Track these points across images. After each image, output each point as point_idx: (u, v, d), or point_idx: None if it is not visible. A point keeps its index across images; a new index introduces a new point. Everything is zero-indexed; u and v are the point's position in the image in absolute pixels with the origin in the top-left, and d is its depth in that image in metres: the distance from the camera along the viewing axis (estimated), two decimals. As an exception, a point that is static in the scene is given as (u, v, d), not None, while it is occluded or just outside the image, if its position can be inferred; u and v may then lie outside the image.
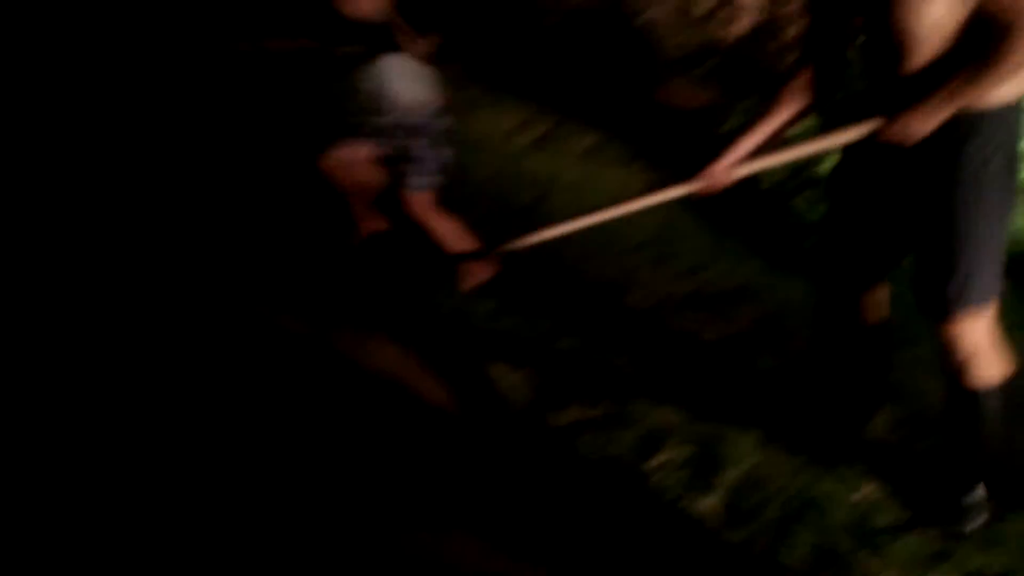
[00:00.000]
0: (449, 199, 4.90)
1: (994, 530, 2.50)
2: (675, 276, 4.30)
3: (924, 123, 2.31)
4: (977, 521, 2.53)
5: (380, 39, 3.73)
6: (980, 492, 2.54)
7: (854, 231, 2.62)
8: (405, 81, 3.77)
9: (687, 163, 6.26)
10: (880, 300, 2.73)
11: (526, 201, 5.15)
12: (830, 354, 2.85)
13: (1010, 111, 2.33)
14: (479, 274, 3.83)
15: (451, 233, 3.84)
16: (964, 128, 2.32)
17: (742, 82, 7.28)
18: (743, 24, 7.96)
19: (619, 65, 7.76)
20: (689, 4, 8.15)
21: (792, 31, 7.70)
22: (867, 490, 2.67)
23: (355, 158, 3.78)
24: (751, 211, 5.18)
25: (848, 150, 2.54)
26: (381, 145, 3.75)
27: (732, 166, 2.64)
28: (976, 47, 2.19)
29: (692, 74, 7.95)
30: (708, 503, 2.64)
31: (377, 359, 3.31)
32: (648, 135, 6.76)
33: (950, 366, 2.47)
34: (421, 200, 3.78)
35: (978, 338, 2.43)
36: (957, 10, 2.17)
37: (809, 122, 2.81)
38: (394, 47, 3.77)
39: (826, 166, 4.63)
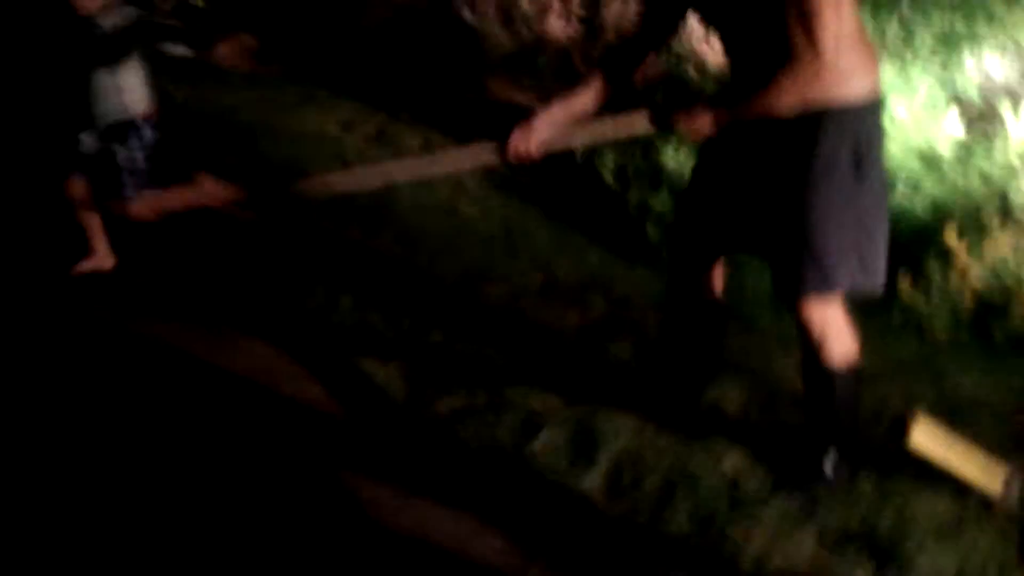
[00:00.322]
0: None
1: (850, 489, 2.72)
2: (527, 268, 4.42)
3: (706, 122, 2.52)
4: (834, 482, 2.74)
5: (112, 39, 3.70)
6: (834, 455, 2.76)
7: (709, 212, 2.76)
8: (121, 85, 3.75)
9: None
10: (718, 279, 2.89)
11: (369, 198, 5.15)
12: (673, 330, 3.03)
13: (856, 110, 2.46)
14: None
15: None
16: (811, 125, 2.46)
17: (565, 80, 7.49)
18: (569, 24, 8.20)
19: (446, 62, 7.84)
20: (512, 4, 8.32)
21: (612, 33, 8.00)
22: (734, 461, 2.84)
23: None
24: (590, 205, 5.38)
25: (712, 139, 2.64)
26: (97, 152, 3.77)
27: (539, 138, 2.72)
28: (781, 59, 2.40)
29: (517, 72, 8.14)
30: (590, 480, 2.75)
31: (246, 360, 3.27)
32: (478, 132, 6.87)
33: (806, 345, 2.62)
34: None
35: (828, 320, 2.58)
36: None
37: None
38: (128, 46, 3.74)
39: (665, 158, 4.86)
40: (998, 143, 4.29)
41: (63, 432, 2.84)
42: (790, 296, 2.59)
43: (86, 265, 3.93)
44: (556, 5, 8.22)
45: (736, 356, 3.33)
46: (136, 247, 4.07)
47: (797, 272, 2.55)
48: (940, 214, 4.27)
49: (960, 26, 4.37)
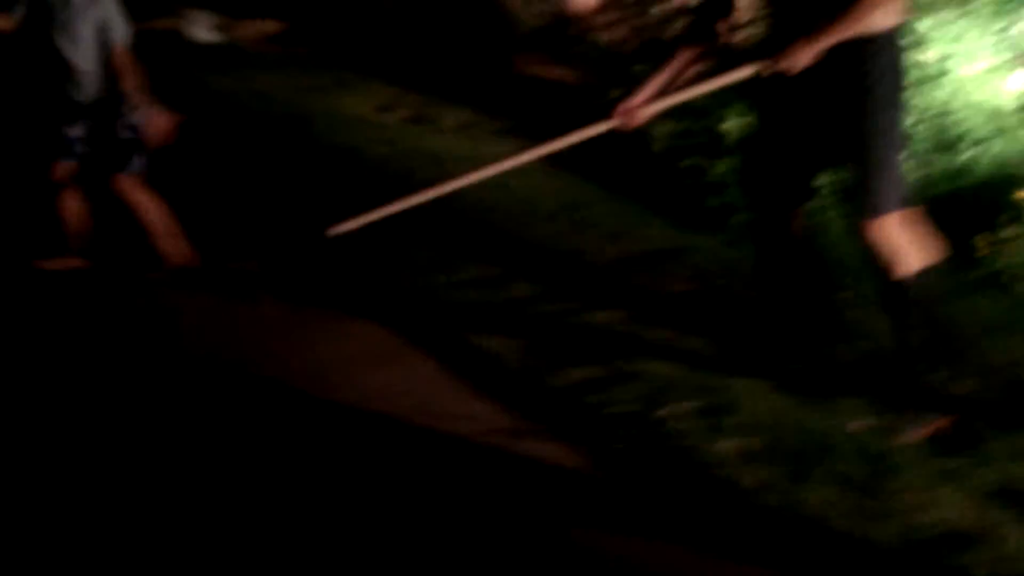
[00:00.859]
0: (346, 179, 4.86)
1: (983, 444, 2.77)
2: (597, 241, 4.44)
3: (804, 53, 2.71)
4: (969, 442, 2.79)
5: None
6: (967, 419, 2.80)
7: (779, 154, 2.96)
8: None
9: (556, 133, 6.44)
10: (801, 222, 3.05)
11: (425, 177, 5.15)
12: (782, 289, 3.13)
13: (892, 35, 2.73)
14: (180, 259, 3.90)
15: (157, 212, 3.88)
16: (854, 54, 2.72)
17: (596, 57, 7.49)
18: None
19: (472, 41, 7.82)
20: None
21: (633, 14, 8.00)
22: (862, 420, 2.88)
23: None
24: (643, 176, 5.39)
25: (768, 89, 2.88)
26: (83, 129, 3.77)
27: (644, 104, 2.97)
28: None
29: (543, 48, 8.12)
30: (723, 447, 2.78)
31: (358, 343, 3.29)
32: (512, 110, 6.87)
33: (877, 265, 2.79)
34: (127, 182, 3.79)
35: (894, 238, 2.76)
36: None
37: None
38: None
39: (728, 125, 4.87)
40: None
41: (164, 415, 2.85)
42: (859, 217, 2.78)
43: (59, 262, 3.87)
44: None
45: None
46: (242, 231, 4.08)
47: (864, 196, 2.75)
48: (1009, 172, 4.30)
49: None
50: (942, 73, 4.61)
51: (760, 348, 3.24)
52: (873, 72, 2.74)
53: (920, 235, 2.84)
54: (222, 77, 6.76)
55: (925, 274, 2.84)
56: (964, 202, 4.46)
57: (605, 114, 3.06)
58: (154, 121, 3.70)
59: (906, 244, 2.79)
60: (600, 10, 8.39)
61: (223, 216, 4.35)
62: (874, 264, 2.82)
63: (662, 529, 2.49)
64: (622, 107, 3.02)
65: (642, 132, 5.46)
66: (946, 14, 4.53)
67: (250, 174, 5.02)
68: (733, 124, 4.83)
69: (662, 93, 3.03)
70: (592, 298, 3.68)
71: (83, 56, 3.70)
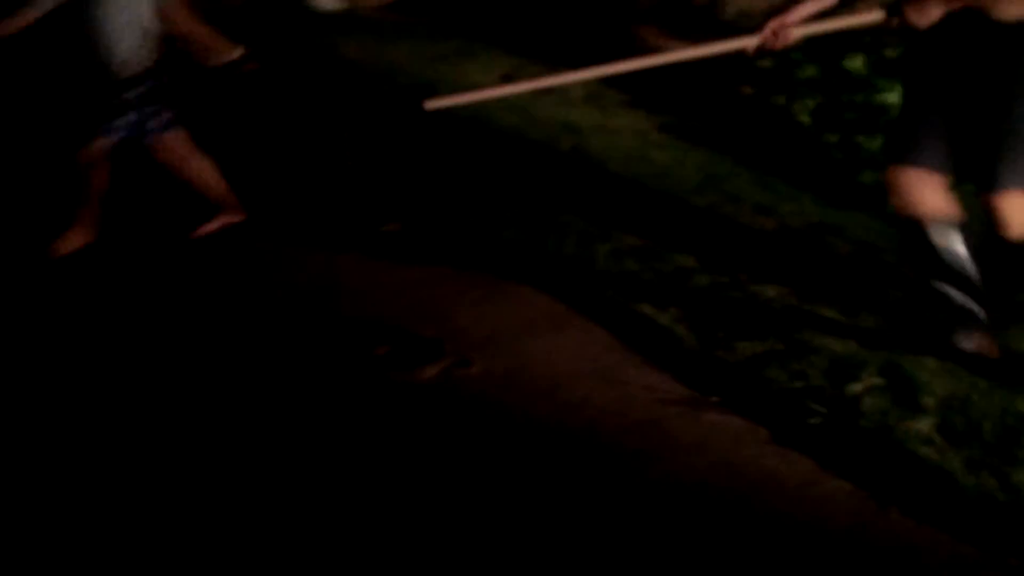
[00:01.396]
0: (478, 149, 4.78)
1: None
2: (753, 214, 4.29)
3: (933, 7, 2.77)
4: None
5: None
6: None
7: (928, 122, 2.96)
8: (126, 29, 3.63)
9: (683, 106, 6.28)
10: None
11: (566, 147, 5.06)
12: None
13: None
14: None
15: (207, 171, 3.83)
16: (1002, 37, 2.76)
17: (712, 24, 7.31)
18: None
19: (595, 13, 7.69)
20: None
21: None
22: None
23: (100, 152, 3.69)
24: (790, 151, 5.22)
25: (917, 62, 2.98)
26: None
27: (796, 23, 2.96)
28: None
29: (665, 20, 7.95)
30: (921, 426, 2.64)
31: (526, 309, 3.21)
32: (635, 82, 6.72)
33: (1006, 237, 2.84)
34: (171, 142, 3.74)
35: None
36: None
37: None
38: None
39: (889, 98, 4.67)
40: None
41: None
42: (993, 189, 2.82)
43: (71, 242, 3.75)
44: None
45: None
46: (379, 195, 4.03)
47: (1002, 168, 2.80)
48: None
49: None
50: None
51: (935, 327, 3.08)
52: (1019, 58, 2.78)
53: None
54: (347, 46, 6.74)
55: None
56: None
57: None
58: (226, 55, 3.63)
59: None
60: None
61: (355, 182, 4.31)
62: (1002, 236, 2.85)
63: (866, 507, 2.36)
64: (774, 22, 2.99)
65: (787, 106, 5.32)
66: None
67: (380, 142, 4.97)
68: (894, 96, 4.63)
69: (805, 17, 3.01)
70: (755, 270, 3.54)
71: (120, 26, 3.65)
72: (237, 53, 3.82)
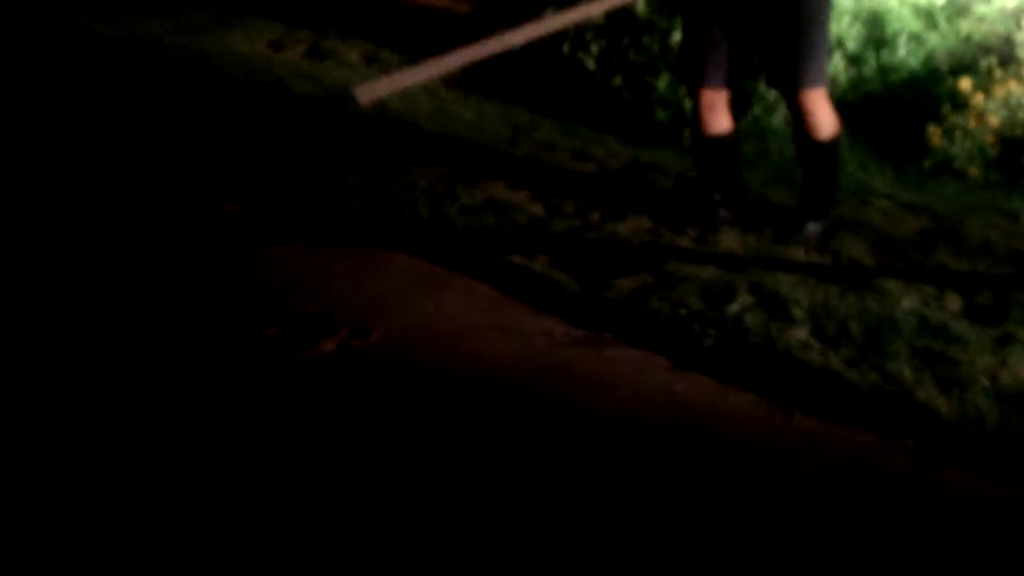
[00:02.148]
0: (296, 118, 4.66)
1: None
2: (574, 160, 4.45)
3: None
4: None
5: None
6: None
7: (712, 39, 3.33)
8: None
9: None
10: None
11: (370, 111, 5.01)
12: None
13: None
14: None
15: None
16: None
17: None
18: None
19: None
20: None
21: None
22: (907, 297, 3.06)
23: None
24: (581, 96, 5.41)
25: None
26: None
27: None
28: None
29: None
30: (799, 334, 2.88)
31: (397, 277, 3.20)
32: (408, 42, 6.74)
33: (804, 129, 3.34)
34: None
35: (822, 105, 3.31)
36: None
37: None
38: None
39: (673, 37, 4.91)
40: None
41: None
42: (793, 89, 3.29)
43: None
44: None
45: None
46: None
47: (801, 70, 3.25)
48: (949, 64, 4.57)
49: None
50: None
51: (779, 244, 3.38)
52: None
53: (832, 109, 3.37)
54: (103, 24, 6.31)
55: (836, 140, 3.40)
56: (899, 98, 4.72)
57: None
58: None
59: (828, 114, 3.33)
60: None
61: (195, 161, 4.10)
62: (799, 129, 3.35)
63: (772, 414, 2.57)
64: None
65: (574, 54, 5.50)
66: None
67: (200, 120, 4.71)
68: (677, 35, 4.89)
69: None
70: (602, 211, 3.69)
71: None
72: None
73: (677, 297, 3.05)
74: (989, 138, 4.31)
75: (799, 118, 3.34)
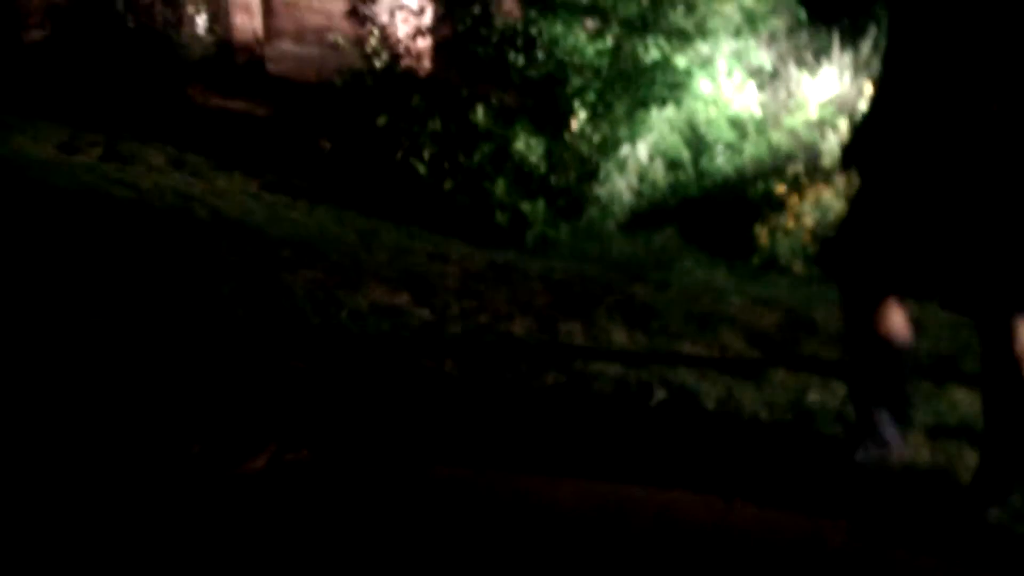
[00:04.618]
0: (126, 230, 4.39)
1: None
2: (431, 263, 4.47)
3: None
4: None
5: None
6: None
7: (890, 238, 2.37)
8: None
9: (268, 166, 6.31)
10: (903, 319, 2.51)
11: (203, 215, 4.86)
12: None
13: None
14: None
15: None
16: None
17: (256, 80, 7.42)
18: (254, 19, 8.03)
19: (141, 72, 7.36)
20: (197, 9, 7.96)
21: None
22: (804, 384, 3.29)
23: None
24: (414, 202, 5.47)
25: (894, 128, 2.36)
26: None
27: None
28: None
29: (217, 78, 7.84)
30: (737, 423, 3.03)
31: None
32: (212, 144, 6.60)
33: (1009, 360, 2.32)
34: None
35: None
36: None
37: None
38: None
39: (517, 144, 5.08)
40: (796, 104, 5.12)
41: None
42: (1005, 313, 2.29)
43: None
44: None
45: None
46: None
47: (1015, 292, 2.27)
48: (761, 170, 5.01)
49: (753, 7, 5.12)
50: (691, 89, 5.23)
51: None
52: None
53: None
54: None
55: None
56: (739, 199, 5.10)
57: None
58: None
59: None
60: (267, 40, 8.24)
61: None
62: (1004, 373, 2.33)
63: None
64: None
65: (407, 159, 5.57)
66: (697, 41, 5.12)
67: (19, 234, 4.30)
68: (520, 143, 5.07)
69: None
70: (487, 312, 3.73)
71: None
72: None
73: (599, 390, 3.11)
74: (806, 237, 4.72)
75: (1008, 358, 2.28)
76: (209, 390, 2.94)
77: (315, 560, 2.23)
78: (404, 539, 2.33)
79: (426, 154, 5.33)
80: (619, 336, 3.58)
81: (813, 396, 3.15)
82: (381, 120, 5.31)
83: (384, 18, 5.96)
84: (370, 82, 5.65)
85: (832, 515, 2.63)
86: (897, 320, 2.51)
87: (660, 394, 3.13)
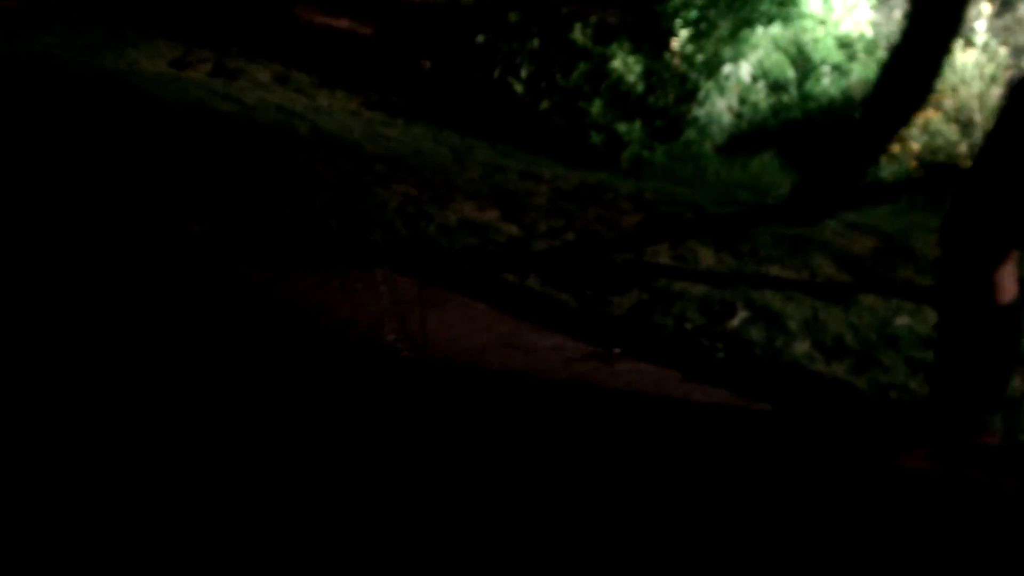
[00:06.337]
0: (228, 140, 4.52)
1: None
2: (524, 181, 4.48)
3: None
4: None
5: None
6: None
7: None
8: None
9: (372, 84, 6.33)
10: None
11: (304, 131, 4.93)
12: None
13: None
14: None
15: None
16: None
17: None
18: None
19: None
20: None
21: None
22: (901, 316, 3.21)
23: None
24: (509, 122, 5.44)
25: None
26: None
27: None
28: None
29: None
30: (801, 347, 2.98)
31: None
32: (316, 62, 6.66)
33: None
34: None
35: None
36: None
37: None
38: None
39: (614, 63, 5.00)
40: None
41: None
42: None
43: None
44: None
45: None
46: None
47: None
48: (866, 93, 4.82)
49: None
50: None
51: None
52: None
53: None
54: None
55: None
56: (818, 125, 4.96)
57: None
58: None
59: None
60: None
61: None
62: None
63: (787, 422, 2.65)
64: None
65: (504, 77, 5.55)
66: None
67: (138, 142, 4.48)
68: (617, 62, 5.00)
69: None
70: (577, 231, 3.73)
71: None
72: None
73: (678, 312, 3.10)
74: (912, 163, 4.56)
75: None
76: (288, 294, 3.02)
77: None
78: (497, 437, 2.37)
79: (523, 73, 5.30)
80: (706, 258, 3.54)
81: (901, 320, 3.08)
82: (479, 38, 5.29)
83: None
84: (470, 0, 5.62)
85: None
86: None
87: (743, 314, 3.10)
